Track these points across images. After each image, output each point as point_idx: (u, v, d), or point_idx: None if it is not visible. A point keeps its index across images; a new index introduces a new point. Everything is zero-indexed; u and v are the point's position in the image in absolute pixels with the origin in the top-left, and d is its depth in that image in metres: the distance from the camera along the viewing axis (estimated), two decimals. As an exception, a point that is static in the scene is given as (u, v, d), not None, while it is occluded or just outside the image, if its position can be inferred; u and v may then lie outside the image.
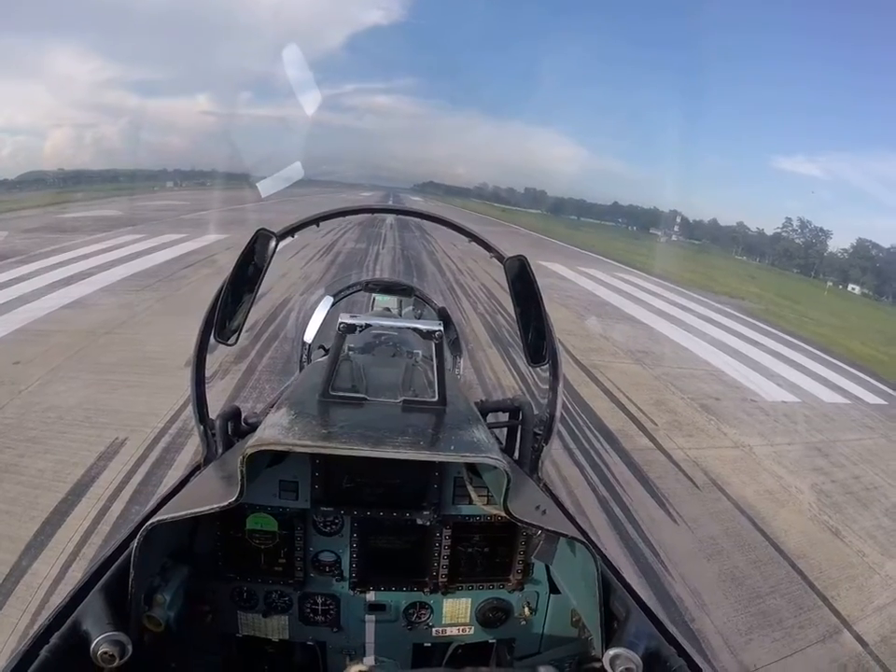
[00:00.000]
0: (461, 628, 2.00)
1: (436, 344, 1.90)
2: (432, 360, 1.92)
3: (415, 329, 2.00)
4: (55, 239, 20.34)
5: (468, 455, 1.61)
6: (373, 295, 4.25)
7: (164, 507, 1.66)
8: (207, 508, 1.49)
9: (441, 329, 1.92)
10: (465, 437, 1.72)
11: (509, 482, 1.54)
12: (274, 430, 1.60)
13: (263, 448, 1.52)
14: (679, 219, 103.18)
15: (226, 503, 1.48)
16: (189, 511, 1.49)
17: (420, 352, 2.69)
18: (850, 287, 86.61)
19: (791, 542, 6.12)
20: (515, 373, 9.95)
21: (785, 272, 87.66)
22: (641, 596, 1.68)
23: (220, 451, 2.14)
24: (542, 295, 2.13)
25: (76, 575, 4.44)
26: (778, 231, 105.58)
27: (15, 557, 4.60)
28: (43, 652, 1.27)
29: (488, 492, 1.82)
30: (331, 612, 1.93)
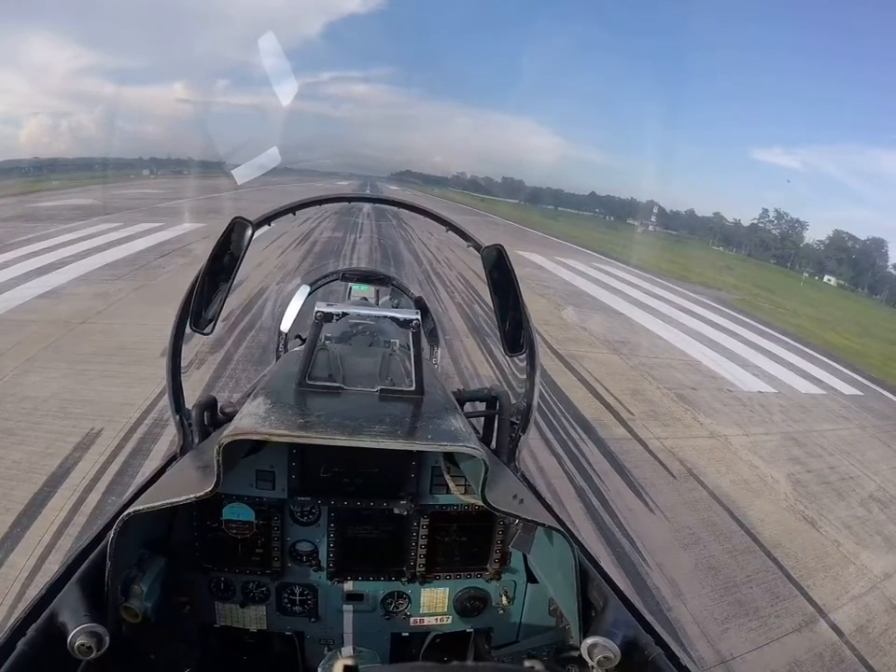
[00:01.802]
0: (439, 618, 2.00)
1: (413, 333, 1.89)
2: (409, 349, 1.92)
3: (393, 318, 1.99)
4: (30, 228, 20.08)
5: (445, 444, 1.60)
6: (350, 284, 4.23)
7: (141, 497, 1.63)
8: (184, 498, 1.47)
9: (419, 317, 1.91)
10: (442, 426, 1.71)
11: (486, 471, 1.53)
12: (251, 420, 1.58)
13: (239, 437, 1.50)
14: (656, 210, 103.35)
15: (202, 493, 1.46)
16: (166, 502, 1.47)
17: (397, 341, 2.67)
18: (826, 278, 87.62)
19: (767, 532, 6.18)
20: (492, 363, 9.94)
21: (762, 262, 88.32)
22: (619, 585, 1.68)
23: (196, 440, 2.13)
24: (520, 284, 2.12)
25: (52, 567, 4.39)
26: (755, 222, 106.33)
27: (-12, 551, 4.56)
28: (20, 645, 1.25)
29: (465, 481, 1.81)
30: (309, 602, 1.92)
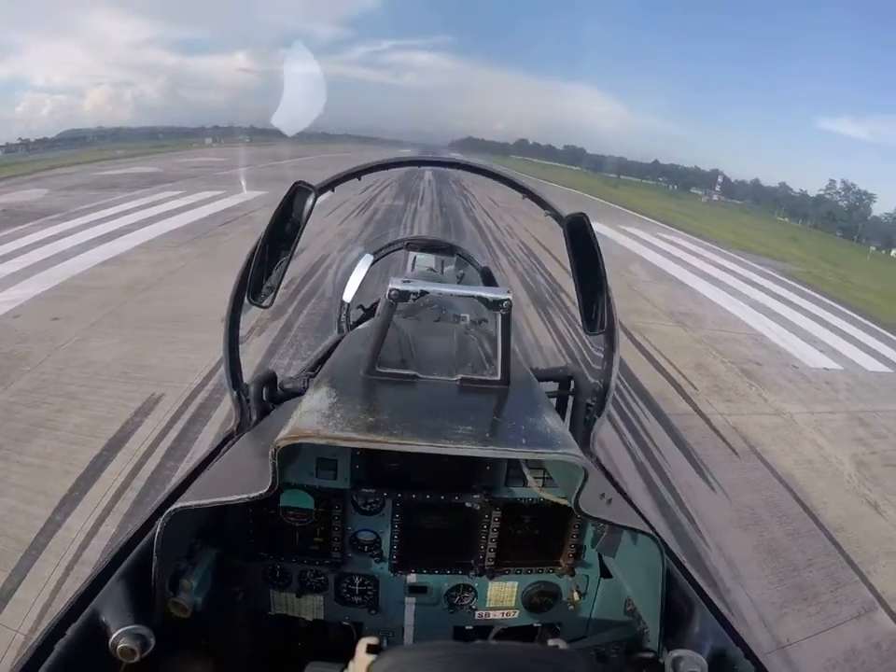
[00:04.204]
0: (506, 612, 1.91)
1: (503, 316, 1.64)
2: (497, 333, 1.69)
3: (480, 298, 1.65)
4: (94, 196, 20.59)
5: (543, 450, 1.40)
6: (414, 254, 4.15)
7: (191, 488, 1.58)
8: (234, 497, 1.35)
9: (511, 298, 1.64)
10: (537, 426, 1.51)
11: (585, 480, 1.37)
12: (312, 418, 1.42)
13: (299, 441, 1.34)
14: (720, 179, 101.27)
15: (255, 494, 1.34)
16: (215, 500, 1.37)
17: (468, 316, 2.54)
18: (894, 252, 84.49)
19: (829, 515, 5.97)
20: (555, 337, 9.84)
21: (828, 235, 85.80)
22: (706, 591, 1.57)
23: (254, 417, 2.03)
24: (603, 257, 1.96)
25: (108, 530, 4.53)
26: (822, 193, 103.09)
27: (49, 512, 4.67)
28: (57, 647, 1.19)
29: (545, 474, 1.70)
30: (369, 593, 1.84)
